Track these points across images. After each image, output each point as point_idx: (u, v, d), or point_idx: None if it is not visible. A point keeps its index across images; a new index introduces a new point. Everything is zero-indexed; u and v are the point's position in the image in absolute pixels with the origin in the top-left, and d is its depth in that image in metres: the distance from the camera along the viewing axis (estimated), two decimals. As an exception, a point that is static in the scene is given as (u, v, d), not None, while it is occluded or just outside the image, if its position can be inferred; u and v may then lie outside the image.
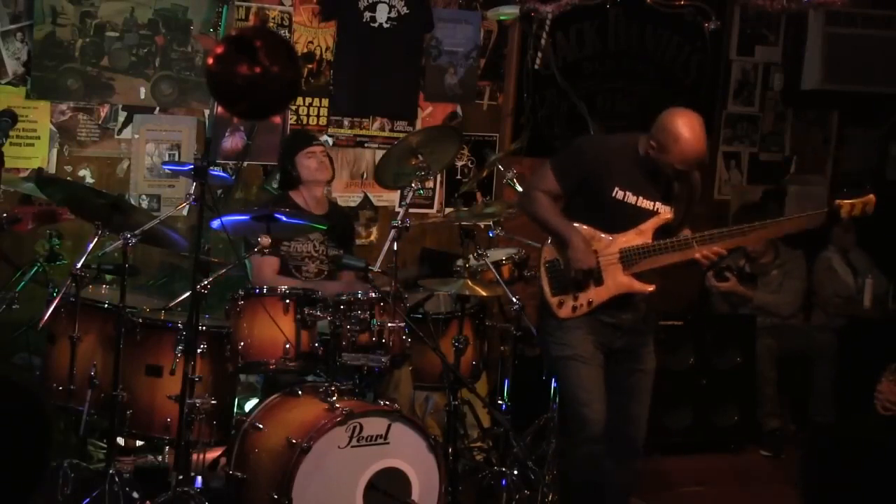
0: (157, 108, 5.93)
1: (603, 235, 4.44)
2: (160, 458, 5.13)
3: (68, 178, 5.62)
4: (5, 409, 2.16)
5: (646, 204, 4.42)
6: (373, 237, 6.45)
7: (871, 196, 4.45)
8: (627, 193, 4.40)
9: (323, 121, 6.29)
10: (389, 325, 4.69)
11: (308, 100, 6.22)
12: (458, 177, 6.67)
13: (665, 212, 4.43)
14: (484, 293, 5.11)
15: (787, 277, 6.85)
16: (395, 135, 6.37)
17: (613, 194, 4.40)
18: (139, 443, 5.24)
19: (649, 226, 4.42)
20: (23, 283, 5.11)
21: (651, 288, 4.45)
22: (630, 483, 4.71)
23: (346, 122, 6.37)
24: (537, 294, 4.62)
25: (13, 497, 2.14)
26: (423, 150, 5.14)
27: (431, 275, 5.65)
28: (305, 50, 6.17)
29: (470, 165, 6.71)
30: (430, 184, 6.47)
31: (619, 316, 4.48)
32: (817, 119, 7.67)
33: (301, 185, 5.33)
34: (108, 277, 4.99)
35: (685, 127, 4.28)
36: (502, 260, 5.48)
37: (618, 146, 4.54)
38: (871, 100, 7.36)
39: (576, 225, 4.45)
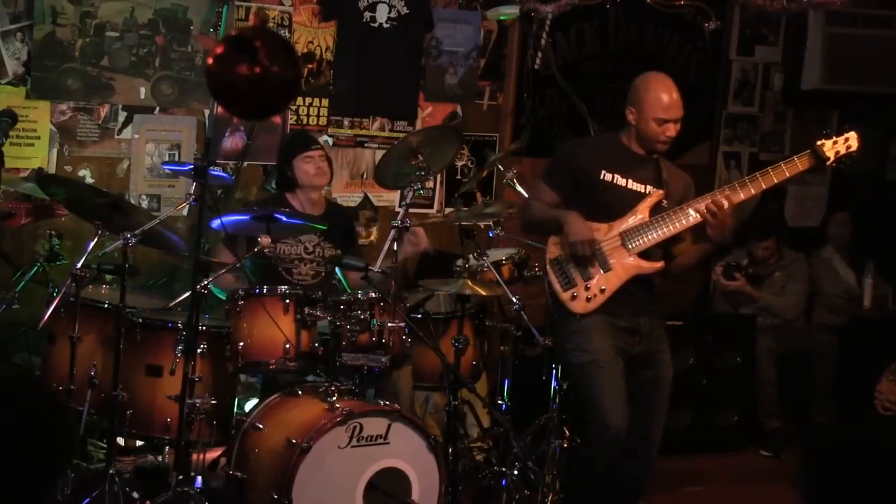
0: (157, 108, 5.93)
1: (601, 225, 4.48)
2: (160, 458, 5.12)
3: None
4: (28, 408, 2.17)
5: (636, 186, 4.50)
6: (373, 237, 6.44)
7: (853, 132, 4.48)
8: (616, 176, 4.49)
9: (323, 121, 6.29)
10: (389, 325, 4.69)
11: (308, 100, 6.22)
12: (458, 177, 6.67)
13: (656, 193, 4.48)
14: (484, 293, 5.11)
15: (789, 280, 6.85)
16: (395, 135, 6.36)
17: (602, 177, 4.48)
18: (139, 443, 5.24)
19: (643, 206, 4.49)
20: (23, 283, 5.11)
21: (660, 265, 4.48)
22: (642, 486, 4.72)
23: (346, 122, 6.37)
24: (543, 295, 4.64)
25: (28, 498, 2.15)
26: (423, 150, 5.14)
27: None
28: (305, 50, 6.17)
29: (470, 165, 6.70)
30: (430, 184, 6.46)
31: (635, 320, 4.50)
32: (817, 119, 7.66)
33: (297, 188, 5.31)
34: (108, 277, 4.99)
35: (653, 79, 4.52)
36: (502, 260, 5.48)
37: (602, 139, 4.79)
38: (871, 100, 7.35)
39: None
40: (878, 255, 7.13)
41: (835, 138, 4.48)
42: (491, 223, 5.73)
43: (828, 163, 4.49)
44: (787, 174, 4.52)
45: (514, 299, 5.16)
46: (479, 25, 6.62)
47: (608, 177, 4.48)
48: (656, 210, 4.47)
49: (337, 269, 5.40)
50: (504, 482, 5.12)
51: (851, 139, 4.48)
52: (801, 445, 3.06)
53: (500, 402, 5.69)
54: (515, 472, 5.14)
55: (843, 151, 4.47)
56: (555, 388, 5.24)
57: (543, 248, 4.71)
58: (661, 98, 4.42)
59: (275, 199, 5.41)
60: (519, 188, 5.67)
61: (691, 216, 4.44)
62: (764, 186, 4.49)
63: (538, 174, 5.00)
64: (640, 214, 4.47)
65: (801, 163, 4.51)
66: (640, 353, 4.52)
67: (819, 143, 4.48)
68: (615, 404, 4.39)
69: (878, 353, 5.13)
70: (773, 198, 7.58)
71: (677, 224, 4.44)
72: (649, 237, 4.45)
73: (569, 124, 6.79)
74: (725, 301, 6.86)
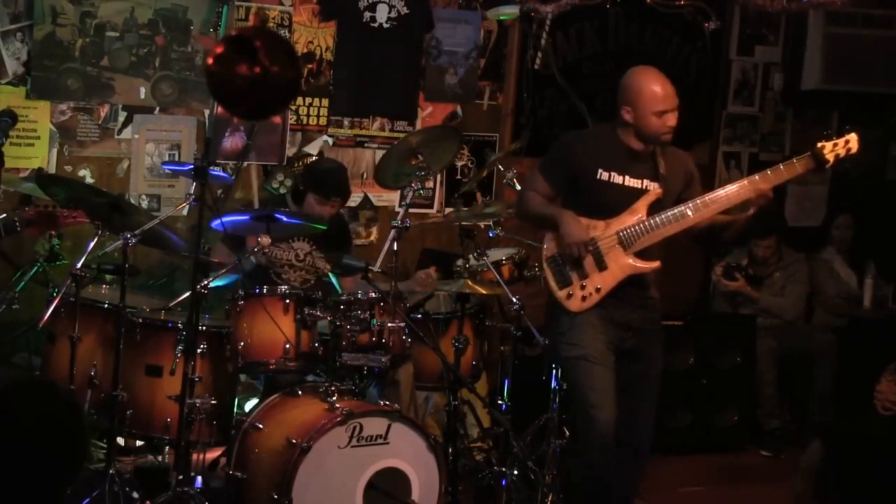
0: (157, 108, 5.93)
1: (598, 222, 4.46)
2: (160, 458, 5.12)
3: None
4: (49, 413, 2.18)
5: (634, 183, 4.46)
6: (373, 237, 6.45)
7: (853, 134, 4.47)
8: (613, 174, 4.44)
9: (323, 121, 6.29)
10: (389, 325, 4.69)
11: (308, 100, 6.22)
12: (458, 177, 6.67)
13: (654, 188, 4.45)
14: (484, 293, 5.10)
15: (789, 281, 6.85)
16: (395, 135, 6.37)
17: (598, 176, 4.44)
18: (139, 443, 5.24)
19: (641, 204, 4.45)
20: (23, 283, 5.11)
21: (656, 265, 4.47)
22: (635, 485, 4.72)
23: (346, 122, 6.37)
24: (543, 295, 4.63)
25: (47, 499, 2.16)
26: (423, 150, 5.14)
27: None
28: (305, 50, 6.17)
29: (470, 165, 6.71)
30: (430, 184, 6.46)
31: (630, 315, 4.49)
32: (817, 119, 7.66)
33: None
34: (108, 277, 4.98)
35: (643, 74, 4.46)
36: (502, 260, 5.48)
37: (599, 133, 4.66)
38: (871, 100, 7.35)
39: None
40: (878, 256, 7.14)
41: (835, 140, 4.45)
42: (491, 223, 5.73)
43: (827, 165, 4.48)
44: (786, 176, 4.52)
45: (514, 299, 5.16)
46: (479, 25, 6.62)
47: (605, 175, 4.44)
48: (655, 207, 4.45)
49: (331, 275, 5.39)
50: (504, 482, 5.12)
51: (852, 141, 4.46)
52: (802, 445, 3.06)
53: (500, 402, 5.69)
54: (515, 472, 5.14)
55: (842, 154, 4.46)
56: (555, 388, 5.24)
57: (542, 248, 4.70)
58: (656, 91, 4.37)
59: (278, 200, 5.42)
60: (519, 188, 5.66)
61: (689, 216, 4.42)
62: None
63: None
64: (639, 213, 4.45)
65: (800, 165, 4.49)
66: (631, 348, 4.52)
67: (819, 145, 4.46)
68: (603, 400, 4.39)
69: (878, 353, 5.12)
70: (773, 197, 7.58)
71: (675, 225, 4.43)
72: (646, 237, 4.43)
73: (569, 124, 6.78)
74: (725, 301, 6.86)
